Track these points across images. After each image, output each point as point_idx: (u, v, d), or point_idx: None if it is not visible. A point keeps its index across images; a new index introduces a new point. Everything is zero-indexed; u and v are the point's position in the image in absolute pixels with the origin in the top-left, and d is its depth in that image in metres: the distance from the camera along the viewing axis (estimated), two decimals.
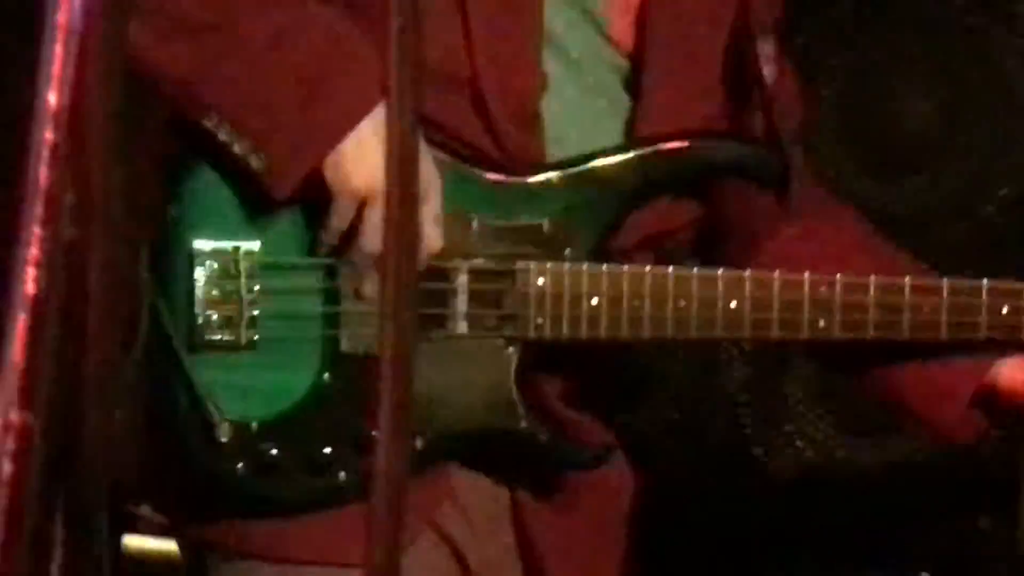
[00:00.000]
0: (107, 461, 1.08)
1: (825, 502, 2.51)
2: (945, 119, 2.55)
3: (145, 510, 2.46)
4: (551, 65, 1.70)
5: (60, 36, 0.76)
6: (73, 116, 0.74)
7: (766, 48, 1.73)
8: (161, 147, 1.67)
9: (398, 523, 0.81)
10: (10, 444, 0.72)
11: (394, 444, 0.80)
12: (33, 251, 0.74)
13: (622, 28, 1.74)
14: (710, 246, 1.80)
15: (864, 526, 2.59)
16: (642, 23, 1.73)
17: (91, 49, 0.77)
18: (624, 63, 1.74)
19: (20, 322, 0.72)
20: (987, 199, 2.56)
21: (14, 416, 0.73)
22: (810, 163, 2.21)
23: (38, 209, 0.73)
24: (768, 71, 1.72)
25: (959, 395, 1.77)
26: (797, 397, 2.45)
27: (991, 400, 1.79)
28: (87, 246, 0.76)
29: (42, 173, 0.75)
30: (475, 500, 1.71)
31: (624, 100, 1.74)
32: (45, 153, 0.75)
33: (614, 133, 1.73)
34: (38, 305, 0.73)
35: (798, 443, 2.46)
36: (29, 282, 0.72)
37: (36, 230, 0.74)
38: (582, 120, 1.72)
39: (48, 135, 0.75)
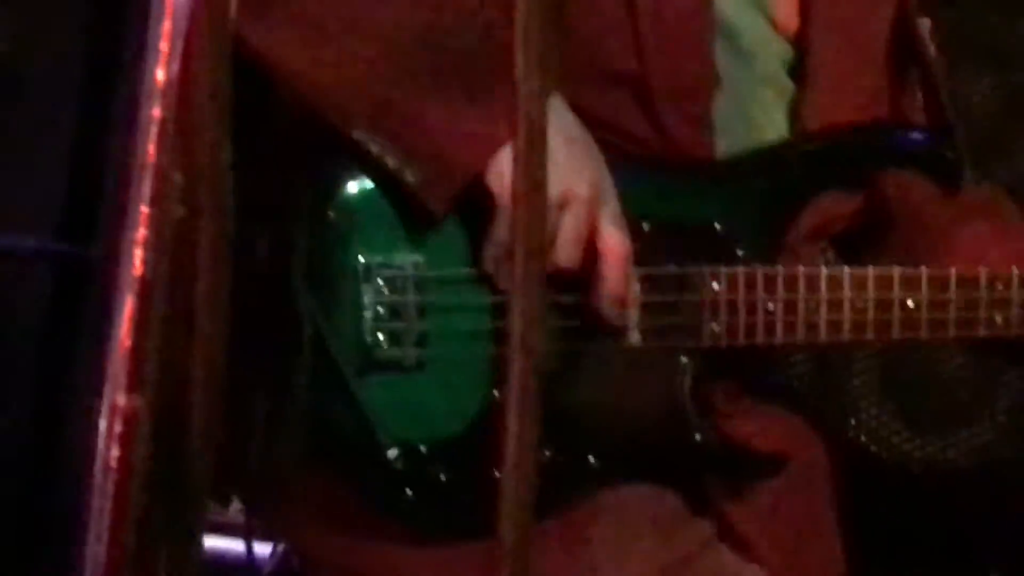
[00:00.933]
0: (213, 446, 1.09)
1: (889, 498, 2.36)
2: (1006, 101, 2.42)
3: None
4: (722, 57, 1.63)
5: (168, 12, 0.74)
6: (181, 91, 0.72)
7: (925, 25, 1.68)
8: (308, 161, 1.60)
9: (525, 545, 0.79)
10: (118, 427, 0.71)
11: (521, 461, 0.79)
12: (141, 231, 0.72)
13: (787, 12, 1.67)
14: (872, 238, 1.72)
15: (932, 524, 2.43)
16: (805, 5, 1.67)
17: (198, 26, 0.75)
18: (789, 49, 1.67)
19: (127, 304, 0.71)
20: None
21: (121, 399, 0.72)
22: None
23: (145, 188, 0.71)
24: (929, 50, 1.68)
25: None
26: (861, 391, 2.33)
27: None
28: (195, 226, 0.73)
29: (150, 150, 0.73)
30: (640, 510, 1.61)
31: (789, 88, 1.67)
32: (153, 130, 0.73)
33: (780, 124, 1.67)
34: (145, 287, 0.72)
35: (863, 438, 2.35)
36: (137, 263, 0.71)
37: (144, 209, 0.72)
38: (750, 113, 1.65)
39: (155, 111, 0.73)
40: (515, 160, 0.78)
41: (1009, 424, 2.43)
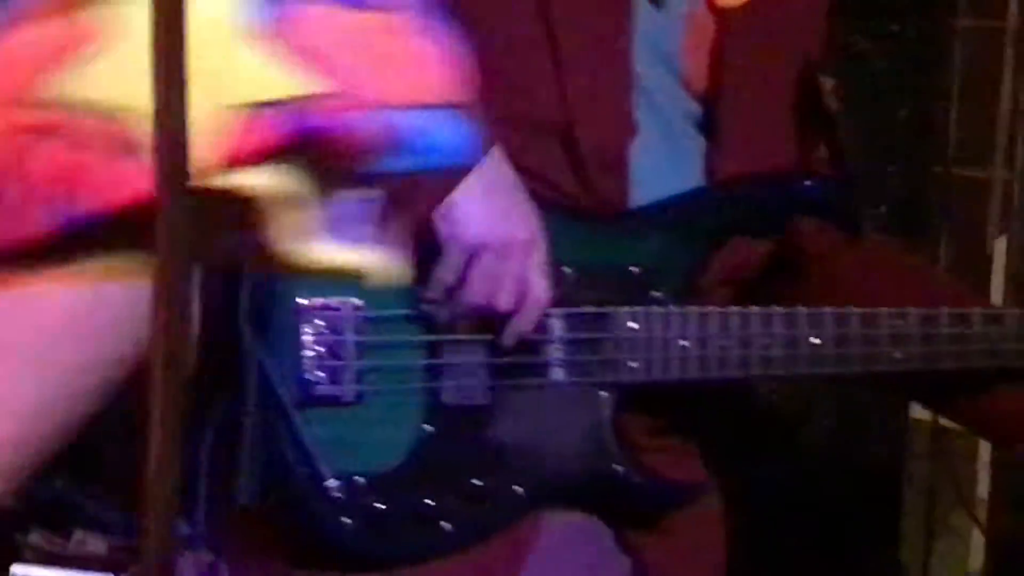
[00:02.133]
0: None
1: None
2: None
3: (35, 538, 2.44)
4: (638, 110, 1.71)
5: None
6: None
7: (828, 82, 1.77)
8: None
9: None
10: None
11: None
12: None
13: (694, 70, 1.73)
14: (783, 283, 1.76)
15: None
16: (715, 64, 1.73)
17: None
18: (695, 104, 1.74)
19: None
20: (868, 216, 2.58)
21: None
22: None
23: None
24: (831, 104, 1.77)
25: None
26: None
27: None
28: None
29: None
30: (571, 543, 1.70)
31: (699, 141, 1.74)
32: None
33: (693, 174, 1.73)
34: None
35: None
36: None
37: None
38: (663, 163, 1.72)
39: None
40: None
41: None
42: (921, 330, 1.70)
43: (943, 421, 2.76)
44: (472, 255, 1.58)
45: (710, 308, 1.66)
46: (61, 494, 2.64)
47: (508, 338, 1.60)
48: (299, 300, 1.61)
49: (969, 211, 3.07)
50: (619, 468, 1.64)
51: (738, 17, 1.74)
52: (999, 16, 3.01)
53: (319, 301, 1.61)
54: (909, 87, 2.71)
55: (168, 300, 0.75)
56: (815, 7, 1.82)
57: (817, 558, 2.79)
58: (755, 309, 1.66)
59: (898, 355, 1.69)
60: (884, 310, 1.69)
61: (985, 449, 3.06)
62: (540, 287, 1.56)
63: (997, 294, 3.00)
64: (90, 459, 2.48)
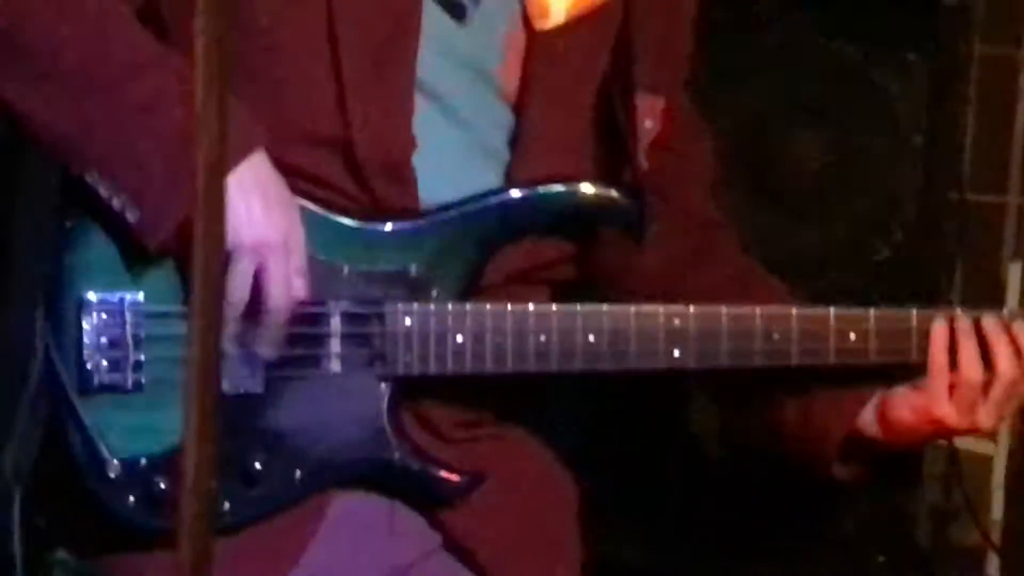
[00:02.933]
0: None
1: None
2: (840, 167, 2.59)
3: (61, 554, 2.61)
4: (430, 119, 1.73)
5: None
6: None
7: (647, 102, 1.76)
8: (55, 200, 1.70)
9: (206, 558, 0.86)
10: None
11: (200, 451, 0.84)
12: None
13: (510, 82, 1.77)
14: (591, 281, 1.83)
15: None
16: (525, 77, 1.76)
17: None
18: (510, 115, 1.77)
19: None
20: (883, 242, 2.62)
21: None
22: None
23: None
24: (650, 123, 1.76)
25: (831, 437, 1.77)
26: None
27: (863, 443, 1.80)
28: None
29: None
30: (359, 521, 1.73)
31: (505, 152, 1.77)
32: None
33: (492, 182, 1.75)
34: None
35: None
36: None
37: None
38: (460, 174, 1.75)
39: None
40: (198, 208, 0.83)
41: None
42: (701, 327, 1.73)
43: (958, 443, 2.77)
44: (229, 253, 1.62)
45: (487, 305, 1.69)
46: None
47: (267, 332, 1.63)
48: (84, 294, 1.66)
49: (984, 236, 3.09)
50: (396, 455, 1.69)
51: (550, 38, 1.75)
52: (1014, 44, 3.10)
53: (102, 295, 1.65)
54: (924, 114, 2.65)
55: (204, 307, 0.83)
56: (616, 32, 1.81)
57: None
58: (531, 306, 1.70)
59: (677, 354, 1.72)
60: (661, 307, 1.72)
61: (999, 471, 3.10)
62: (294, 287, 1.60)
63: (1013, 306, 3.14)
64: None
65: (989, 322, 1.77)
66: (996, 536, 3.07)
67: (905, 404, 1.76)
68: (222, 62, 0.84)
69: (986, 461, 3.05)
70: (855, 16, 2.62)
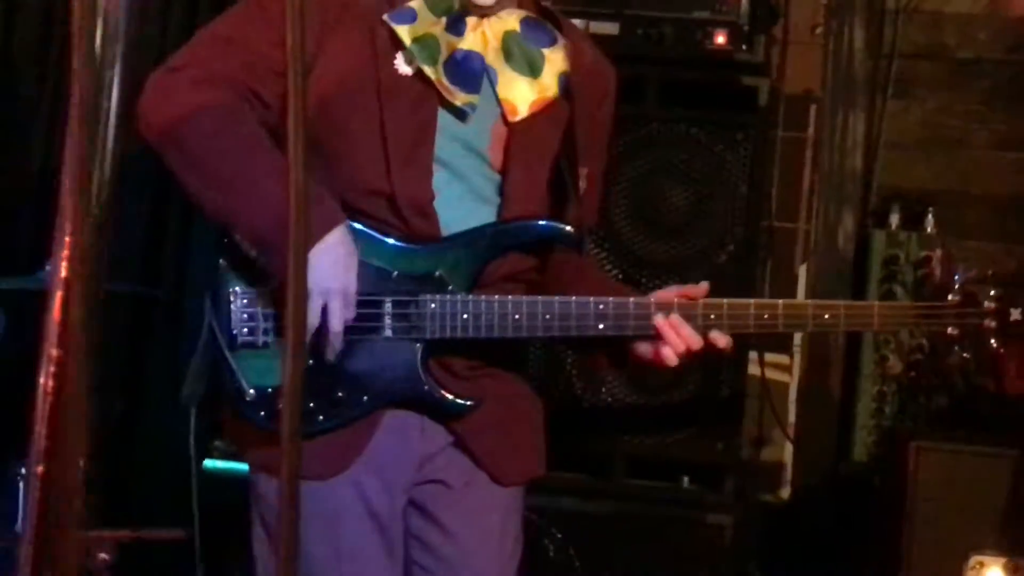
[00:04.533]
0: None
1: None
2: (695, 205, 2.82)
3: (218, 443, 2.79)
4: (445, 180, 1.86)
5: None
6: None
7: (583, 170, 1.94)
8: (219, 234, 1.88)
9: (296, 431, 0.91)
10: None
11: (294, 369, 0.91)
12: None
13: (496, 156, 1.89)
14: (545, 280, 1.94)
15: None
16: (508, 155, 1.88)
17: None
18: (497, 177, 1.89)
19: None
20: (722, 252, 2.82)
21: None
22: (610, 233, 2.64)
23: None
24: (581, 183, 1.94)
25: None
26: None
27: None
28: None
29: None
30: (400, 427, 1.87)
31: (496, 200, 1.90)
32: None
33: (490, 219, 1.91)
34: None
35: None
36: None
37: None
38: (465, 214, 1.88)
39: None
40: (291, 255, 0.93)
41: None
42: (614, 311, 1.87)
43: (768, 374, 3.09)
44: (310, 291, 1.73)
45: (484, 296, 1.82)
46: None
47: (330, 342, 1.80)
48: (234, 287, 1.84)
49: (784, 249, 3.37)
50: (425, 387, 1.83)
51: (519, 128, 1.87)
52: (802, 129, 3.42)
53: (244, 288, 1.84)
54: (747, 172, 2.87)
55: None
56: (588, 122, 1.96)
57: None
58: (510, 297, 1.84)
59: (600, 327, 1.87)
60: (591, 299, 1.87)
61: (793, 390, 3.38)
62: (346, 316, 1.76)
63: (802, 299, 3.26)
64: None
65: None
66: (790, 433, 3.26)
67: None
68: (302, 179, 0.90)
69: (784, 385, 3.31)
70: (703, 111, 2.80)
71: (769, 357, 3.14)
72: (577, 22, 2.41)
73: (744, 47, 2.78)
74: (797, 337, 3.32)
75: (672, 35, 2.76)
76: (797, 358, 3.37)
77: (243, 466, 1.93)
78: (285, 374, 0.91)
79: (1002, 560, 2.61)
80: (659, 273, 2.68)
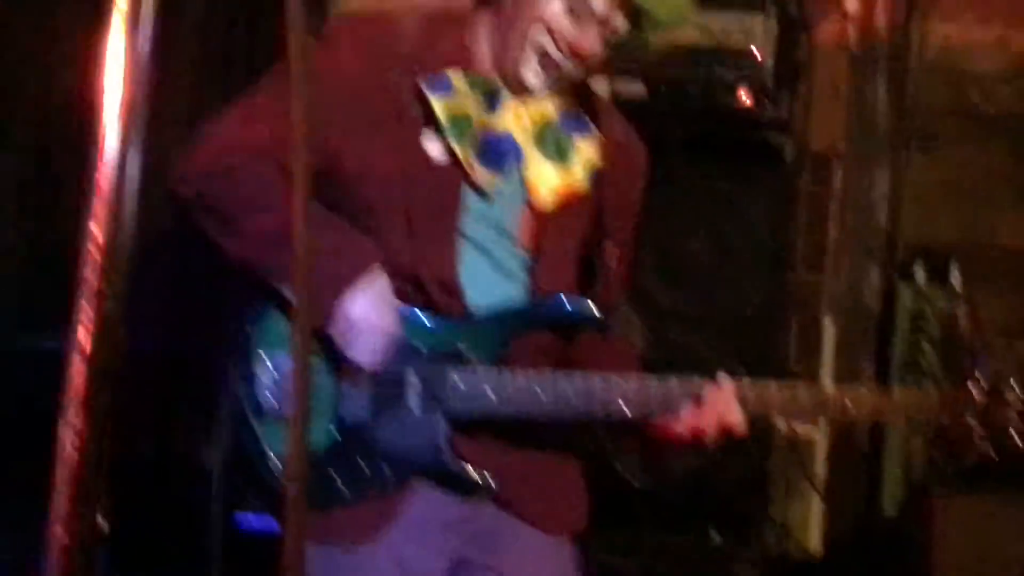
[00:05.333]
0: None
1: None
2: (721, 260, 2.88)
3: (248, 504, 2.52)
4: (471, 256, 1.87)
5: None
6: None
7: (610, 246, 1.94)
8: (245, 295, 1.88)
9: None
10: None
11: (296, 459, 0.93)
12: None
13: (524, 234, 1.89)
14: (571, 356, 1.92)
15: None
16: (533, 236, 1.89)
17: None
18: (525, 256, 1.89)
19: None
20: (747, 306, 2.87)
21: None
22: (637, 287, 2.53)
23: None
24: (609, 260, 1.94)
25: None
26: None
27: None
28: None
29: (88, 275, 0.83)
30: (426, 497, 1.85)
31: (522, 276, 1.90)
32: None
33: (518, 295, 1.91)
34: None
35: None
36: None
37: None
38: (491, 289, 1.88)
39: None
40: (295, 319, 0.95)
41: None
42: (635, 388, 1.84)
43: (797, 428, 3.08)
44: (346, 332, 1.79)
45: (504, 370, 1.83)
46: None
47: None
48: (259, 353, 1.85)
49: (809, 299, 3.36)
50: (446, 460, 1.82)
51: (546, 215, 1.87)
52: (823, 184, 3.37)
53: (270, 354, 1.84)
54: (772, 227, 2.96)
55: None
56: (620, 211, 1.97)
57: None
58: (530, 372, 1.84)
59: (622, 404, 1.84)
60: (614, 375, 1.85)
61: (822, 448, 3.33)
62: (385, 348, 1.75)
63: (828, 351, 3.31)
64: None
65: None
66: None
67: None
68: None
69: (811, 441, 3.29)
70: (729, 167, 2.86)
71: None
72: (603, 83, 2.41)
73: (768, 105, 2.87)
74: None
75: (697, 94, 2.80)
76: None
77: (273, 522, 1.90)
78: (293, 438, 0.95)
79: None
80: (686, 326, 2.74)
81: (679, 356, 2.60)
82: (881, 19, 3.33)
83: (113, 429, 0.90)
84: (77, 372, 0.85)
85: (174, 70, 3.20)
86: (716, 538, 2.74)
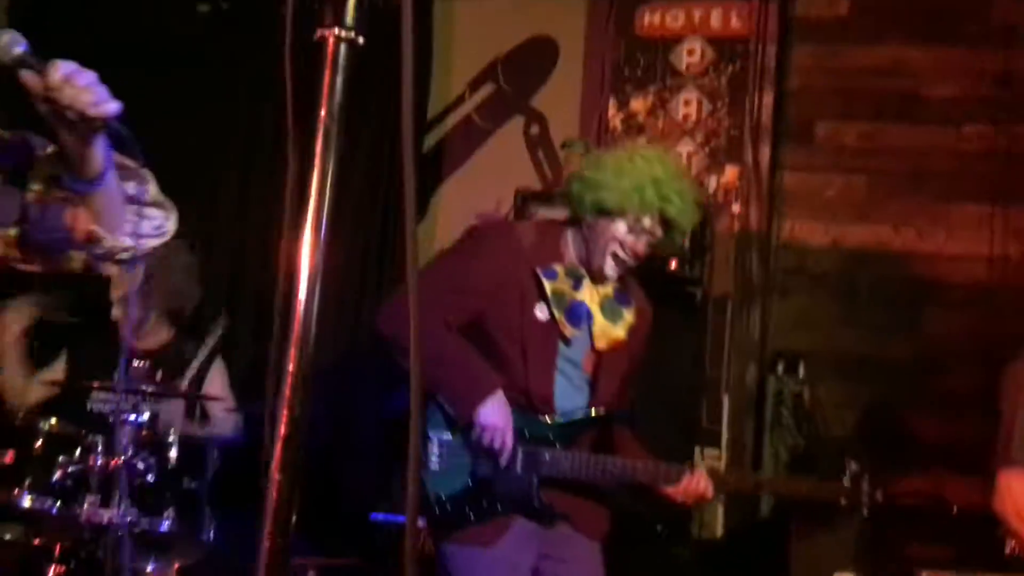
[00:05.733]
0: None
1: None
2: (659, 362, 3.01)
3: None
4: (560, 381, 2.37)
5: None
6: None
7: (634, 376, 2.39)
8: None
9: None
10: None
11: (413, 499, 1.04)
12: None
13: (587, 366, 2.38)
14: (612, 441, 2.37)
15: None
16: (594, 367, 2.37)
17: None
18: (587, 377, 2.38)
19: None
20: (677, 390, 3.31)
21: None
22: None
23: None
24: (631, 381, 2.37)
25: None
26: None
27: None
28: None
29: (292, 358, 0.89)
30: (523, 528, 2.35)
31: (586, 392, 2.41)
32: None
33: (582, 406, 2.42)
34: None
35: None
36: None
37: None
38: (569, 401, 2.37)
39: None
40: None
41: None
42: (642, 467, 2.32)
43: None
44: (484, 433, 2.26)
45: (576, 453, 2.32)
46: None
47: (500, 456, 2.20)
48: (429, 431, 2.31)
49: (713, 389, 3.81)
50: (536, 505, 2.36)
51: (603, 352, 2.35)
52: (723, 315, 3.80)
53: (437, 433, 2.31)
54: (691, 344, 3.42)
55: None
56: (638, 353, 2.38)
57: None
58: (583, 454, 2.32)
59: (641, 477, 2.31)
60: (665, 464, 2.36)
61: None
62: (508, 441, 2.21)
63: (726, 416, 3.76)
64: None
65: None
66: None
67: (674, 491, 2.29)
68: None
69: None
70: (667, 306, 2.95)
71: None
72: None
73: (687, 269, 3.50)
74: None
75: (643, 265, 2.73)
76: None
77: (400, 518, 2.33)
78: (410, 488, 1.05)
79: None
80: (645, 403, 3.01)
81: (641, 421, 2.81)
82: (754, 217, 3.97)
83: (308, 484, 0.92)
84: (280, 434, 0.90)
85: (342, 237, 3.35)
86: (661, 529, 3.38)
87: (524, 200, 3.63)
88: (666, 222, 2.46)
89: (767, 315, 3.92)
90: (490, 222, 3.10)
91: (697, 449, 3.67)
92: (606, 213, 2.40)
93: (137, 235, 1.53)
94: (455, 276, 2.36)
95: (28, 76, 1.34)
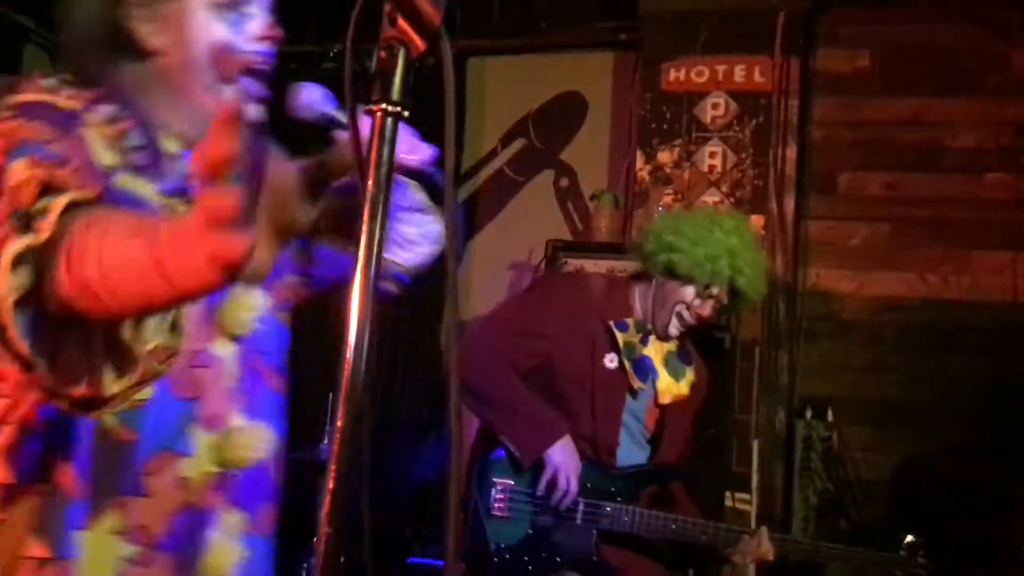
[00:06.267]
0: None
1: None
2: None
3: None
4: (623, 434, 2.40)
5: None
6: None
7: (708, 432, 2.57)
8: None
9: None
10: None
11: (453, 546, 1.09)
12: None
13: (648, 422, 2.42)
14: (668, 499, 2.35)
15: None
16: (656, 422, 2.39)
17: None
18: (648, 434, 2.41)
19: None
20: (704, 435, 3.12)
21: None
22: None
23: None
24: (703, 431, 2.46)
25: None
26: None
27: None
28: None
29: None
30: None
31: (647, 448, 2.43)
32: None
33: (643, 459, 2.44)
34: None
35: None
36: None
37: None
38: (630, 455, 2.40)
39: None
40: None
41: None
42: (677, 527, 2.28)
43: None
44: (554, 475, 2.27)
45: (636, 508, 2.32)
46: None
47: (565, 497, 2.17)
48: (493, 478, 2.34)
49: (743, 432, 3.84)
50: (595, 558, 2.38)
51: (665, 406, 2.38)
52: (752, 360, 3.80)
53: (499, 480, 2.33)
54: (720, 388, 3.28)
55: None
56: (698, 411, 2.42)
57: None
58: (645, 510, 2.32)
59: (703, 538, 2.28)
60: (704, 520, 2.33)
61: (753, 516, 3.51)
62: (572, 483, 2.23)
63: (755, 461, 3.71)
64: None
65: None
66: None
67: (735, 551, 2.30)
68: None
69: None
70: (699, 352, 2.85)
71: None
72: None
73: (721, 319, 3.37)
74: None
75: None
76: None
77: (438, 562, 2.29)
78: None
79: None
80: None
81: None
82: (780, 265, 3.91)
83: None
84: (330, 475, 0.93)
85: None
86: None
87: (555, 250, 3.69)
88: (734, 291, 2.52)
89: (795, 361, 3.90)
90: (560, 272, 3.17)
91: (728, 493, 3.66)
92: (676, 276, 2.46)
93: None
94: (523, 319, 2.42)
95: (339, 134, 1.32)
